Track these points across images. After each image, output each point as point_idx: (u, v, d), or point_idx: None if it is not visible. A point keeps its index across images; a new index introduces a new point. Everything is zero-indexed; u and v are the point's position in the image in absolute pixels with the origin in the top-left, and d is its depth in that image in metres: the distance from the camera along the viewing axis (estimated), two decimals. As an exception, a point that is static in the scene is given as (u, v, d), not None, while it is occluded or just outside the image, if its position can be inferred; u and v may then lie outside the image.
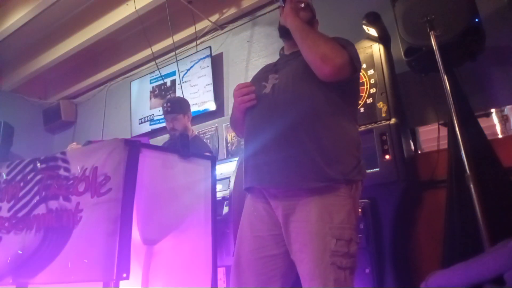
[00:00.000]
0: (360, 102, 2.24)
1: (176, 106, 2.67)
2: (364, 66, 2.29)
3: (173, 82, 3.85)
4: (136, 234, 1.54)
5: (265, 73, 1.52)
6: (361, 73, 2.28)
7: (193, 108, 2.83)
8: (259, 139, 1.36)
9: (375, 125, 2.13)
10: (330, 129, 1.32)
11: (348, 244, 1.22)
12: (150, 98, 4.04)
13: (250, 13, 3.48)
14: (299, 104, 1.33)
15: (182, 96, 3.26)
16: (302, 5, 1.52)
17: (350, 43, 1.45)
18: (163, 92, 3.93)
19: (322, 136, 1.30)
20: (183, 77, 3.71)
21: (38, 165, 1.70)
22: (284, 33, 1.50)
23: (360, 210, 2.03)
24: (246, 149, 1.45)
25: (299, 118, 1.31)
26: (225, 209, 2.40)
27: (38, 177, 1.68)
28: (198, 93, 3.62)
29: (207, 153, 2.52)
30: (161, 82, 3.89)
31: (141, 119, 4.07)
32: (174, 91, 3.81)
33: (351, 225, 1.26)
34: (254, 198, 1.41)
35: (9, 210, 1.70)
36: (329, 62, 1.29)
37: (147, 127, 3.98)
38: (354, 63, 1.36)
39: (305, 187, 1.26)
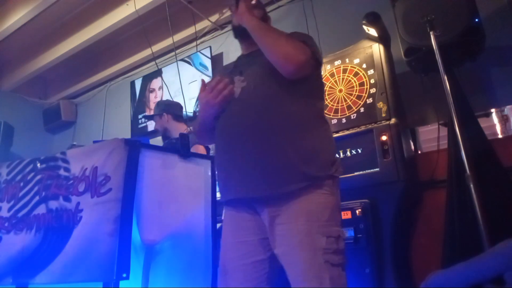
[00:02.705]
0: (360, 102, 2.24)
1: (154, 110, 2.74)
2: (364, 66, 2.29)
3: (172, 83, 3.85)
4: (136, 234, 1.54)
5: (229, 76, 1.44)
6: (361, 73, 2.29)
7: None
8: (237, 148, 1.31)
9: (375, 125, 2.13)
10: (307, 128, 1.31)
11: (337, 240, 1.23)
12: (150, 98, 4.05)
13: (250, 13, 3.48)
14: (273, 107, 1.30)
15: (168, 99, 3.28)
16: (253, 1, 1.46)
17: (310, 37, 1.43)
18: (162, 92, 3.93)
19: (300, 137, 1.28)
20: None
21: (38, 165, 1.70)
22: (240, 33, 1.43)
23: (360, 209, 2.04)
24: (222, 159, 1.39)
25: (276, 121, 1.29)
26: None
27: (38, 177, 1.68)
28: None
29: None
30: (161, 82, 3.89)
31: (141, 119, 4.07)
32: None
33: (337, 222, 1.27)
34: (236, 207, 1.36)
35: (9, 210, 1.70)
36: (292, 60, 1.27)
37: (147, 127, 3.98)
38: (316, 58, 1.35)
39: (290, 189, 1.25)
